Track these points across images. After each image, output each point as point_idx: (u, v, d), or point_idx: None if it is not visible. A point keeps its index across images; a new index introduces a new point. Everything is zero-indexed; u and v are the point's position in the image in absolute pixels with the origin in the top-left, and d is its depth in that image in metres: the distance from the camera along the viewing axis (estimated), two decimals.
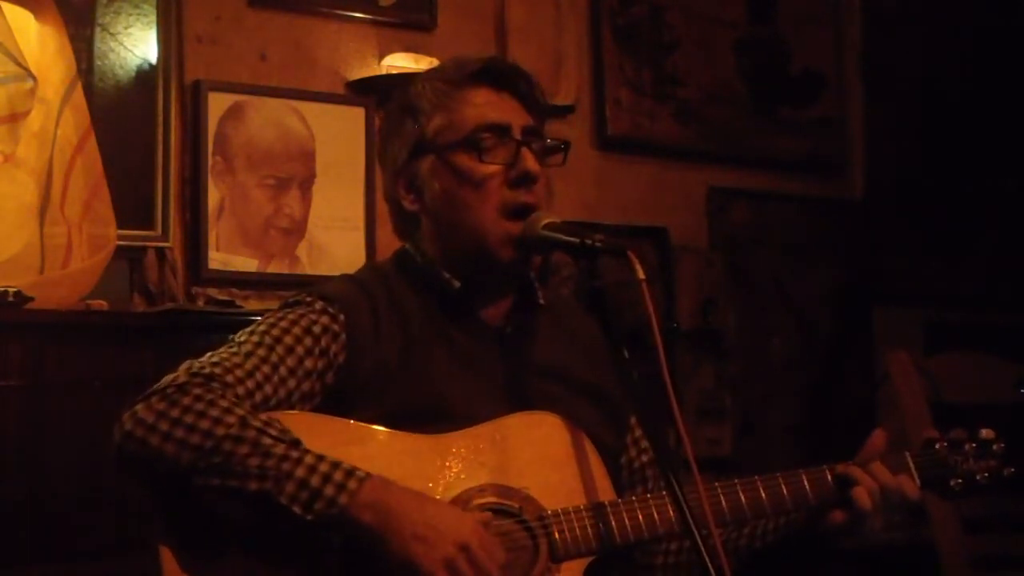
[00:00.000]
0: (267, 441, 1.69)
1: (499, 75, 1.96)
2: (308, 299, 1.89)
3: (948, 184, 4.64)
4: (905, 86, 4.68)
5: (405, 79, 3.39)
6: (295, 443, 1.70)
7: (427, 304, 1.94)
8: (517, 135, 1.93)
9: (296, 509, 1.66)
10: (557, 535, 1.80)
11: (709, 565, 1.65)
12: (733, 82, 4.37)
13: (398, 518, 1.68)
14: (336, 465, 1.69)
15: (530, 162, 1.91)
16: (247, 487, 1.67)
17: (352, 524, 1.67)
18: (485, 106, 1.93)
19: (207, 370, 1.75)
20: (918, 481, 1.98)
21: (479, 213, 1.90)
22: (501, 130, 1.92)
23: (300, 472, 1.67)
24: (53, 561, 2.58)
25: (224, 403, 1.71)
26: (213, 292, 3.27)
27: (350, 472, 1.69)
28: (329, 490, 1.67)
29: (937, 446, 2.02)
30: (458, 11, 3.82)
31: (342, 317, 1.87)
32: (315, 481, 1.67)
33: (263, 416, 1.73)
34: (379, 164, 2.07)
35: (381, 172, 2.06)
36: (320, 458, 1.69)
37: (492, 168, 1.90)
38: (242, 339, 1.84)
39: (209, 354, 1.81)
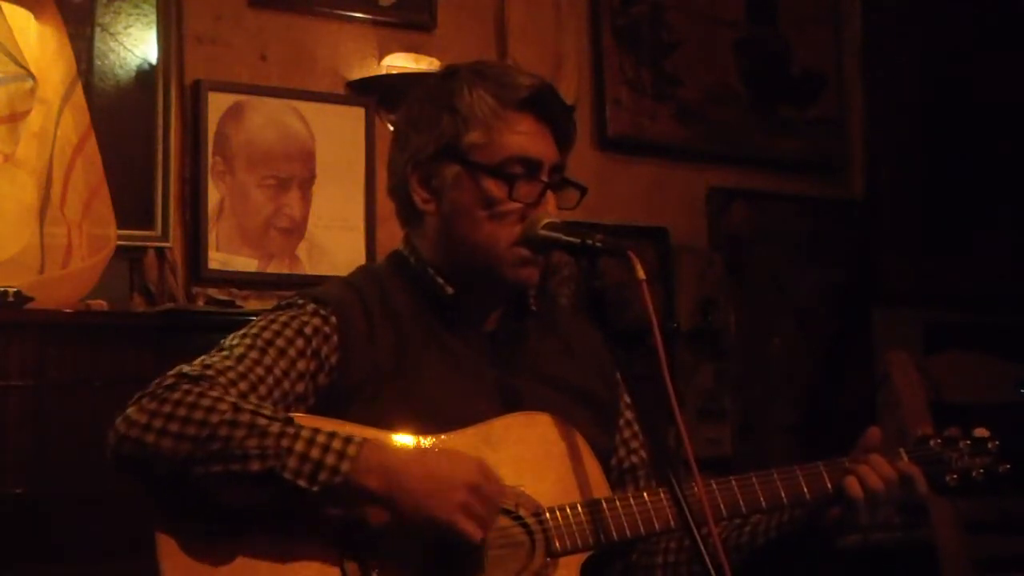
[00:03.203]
0: (262, 421, 1.69)
1: (545, 106, 1.95)
2: (300, 302, 1.90)
3: (948, 184, 4.64)
4: (905, 86, 4.69)
5: (405, 79, 3.42)
6: (288, 420, 1.72)
7: (420, 307, 1.94)
8: (545, 175, 1.93)
9: (301, 483, 1.67)
10: (554, 531, 1.81)
11: (708, 562, 1.66)
12: (733, 82, 4.37)
13: (403, 476, 1.70)
14: (332, 435, 1.70)
15: (551, 206, 1.93)
16: (249, 468, 1.68)
17: (359, 490, 1.69)
18: (525, 136, 1.92)
19: (197, 372, 1.76)
20: None
21: (494, 240, 1.91)
22: (533, 166, 1.92)
23: (299, 446, 1.68)
24: (53, 561, 2.58)
25: (214, 393, 1.72)
26: (213, 292, 3.27)
27: (348, 439, 1.70)
28: (330, 459, 1.68)
29: (931, 443, 2.03)
30: (458, 11, 3.82)
31: (333, 319, 1.87)
32: (315, 453, 1.68)
33: (253, 400, 1.74)
34: (394, 141, 2.02)
35: (393, 149, 2.01)
36: (316, 430, 1.70)
37: (515, 205, 1.91)
38: (234, 342, 1.84)
39: (201, 358, 1.81)
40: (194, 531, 1.72)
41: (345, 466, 1.68)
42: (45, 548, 2.59)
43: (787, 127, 4.48)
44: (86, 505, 2.59)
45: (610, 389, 2.04)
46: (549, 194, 1.93)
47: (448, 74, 2.00)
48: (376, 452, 1.71)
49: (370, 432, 1.80)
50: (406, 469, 1.71)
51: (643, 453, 2.06)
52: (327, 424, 1.77)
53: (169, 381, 1.74)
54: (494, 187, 1.91)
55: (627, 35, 4.14)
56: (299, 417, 1.78)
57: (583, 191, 2.01)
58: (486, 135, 1.91)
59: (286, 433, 1.69)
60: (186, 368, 1.77)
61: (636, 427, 2.07)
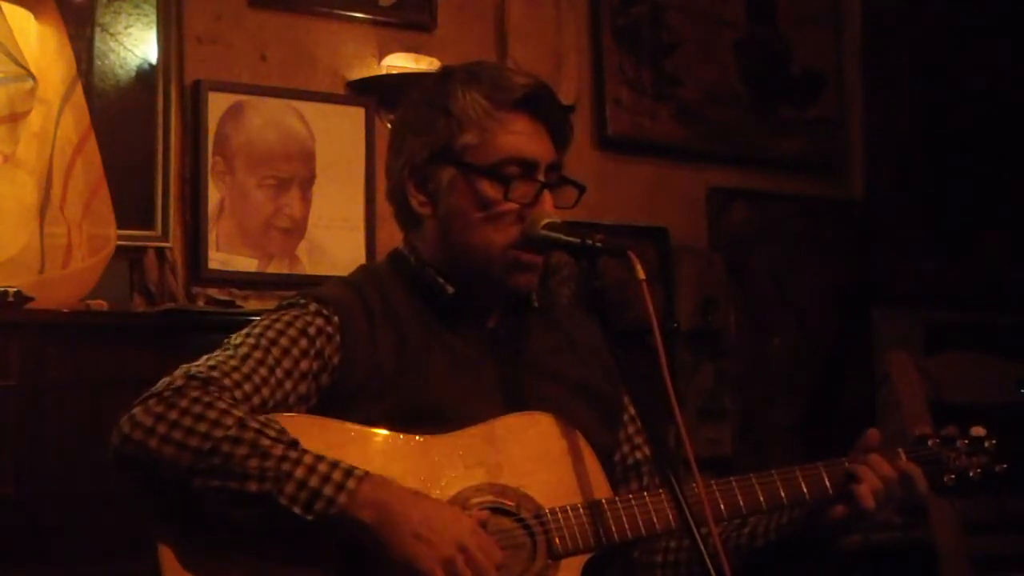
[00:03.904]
0: (265, 442, 1.69)
1: (540, 105, 1.95)
2: (302, 301, 1.90)
3: (948, 184, 4.64)
4: (905, 86, 4.68)
5: (405, 79, 3.42)
6: (293, 443, 1.71)
7: (421, 307, 1.95)
8: (541, 175, 1.93)
9: (296, 509, 1.67)
10: (555, 533, 1.81)
11: (708, 563, 1.66)
12: (733, 82, 4.37)
13: (397, 517, 1.69)
14: (335, 465, 1.70)
15: (548, 206, 1.93)
16: (247, 488, 1.67)
17: (352, 523, 1.68)
18: (520, 136, 1.92)
19: (204, 373, 1.76)
20: None
21: (491, 242, 1.91)
22: (528, 166, 1.92)
23: (299, 472, 1.68)
24: (52, 562, 2.58)
25: (222, 405, 1.71)
26: (213, 292, 3.27)
27: (349, 471, 1.69)
28: (328, 490, 1.67)
29: (929, 442, 2.03)
30: (458, 11, 3.82)
31: (336, 319, 1.87)
32: (314, 481, 1.68)
33: (261, 417, 1.74)
34: (390, 144, 2.03)
35: (390, 153, 2.02)
36: (319, 458, 1.70)
37: (512, 205, 1.91)
38: (237, 342, 1.84)
39: (205, 357, 1.81)
40: (195, 543, 1.72)
41: (342, 499, 1.68)
42: (44, 548, 2.58)
43: (787, 127, 4.48)
44: (86, 505, 2.59)
45: (613, 384, 2.04)
46: (546, 194, 1.93)
47: (442, 76, 2.00)
48: (375, 488, 1.70)
49: (373, 434, 1.80)
50: (402, 510, 1.70)
51: (646, 449, 2.06)
52: (331, 429, 1.77)
53: (178, 383, 1.73)
54: (489, 188, 1.91)
55: (627, 35, 4.13)
56: (302, 418, 1.79)
57: (581, 189, 2.01)
58: (480, 136, 1.91)
59: (288, 457, 1.69)
60: (193, 369, 1.77)
61: (639, 422, 2.07)
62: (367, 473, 1.70)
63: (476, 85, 1.94)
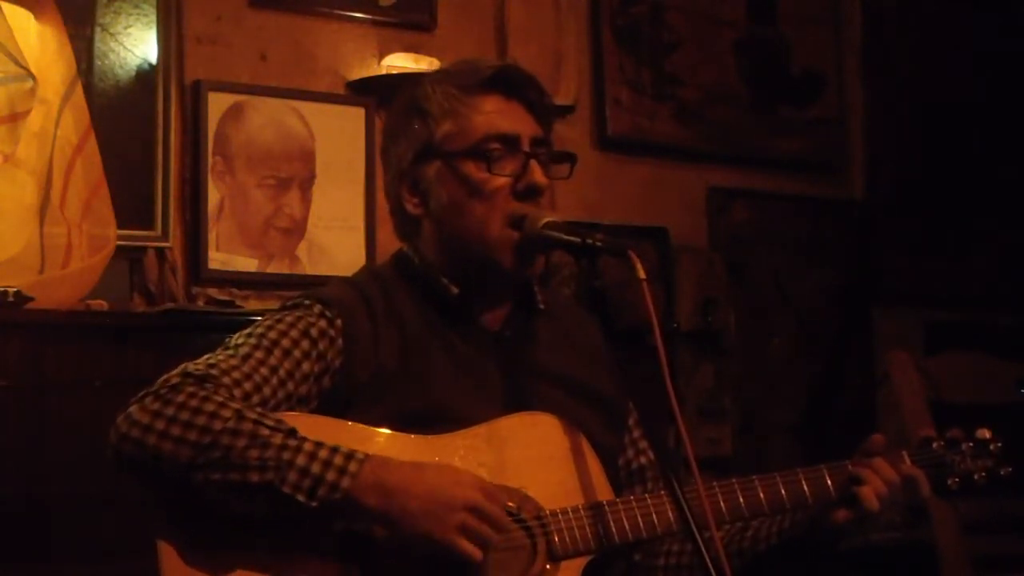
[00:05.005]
0: (264, 432, 1.69)
1: (510, 82, 1.95)
2: (305, 303, 1.90)
3: (948, 184, 4.64)
4: (905, 86, 4.69)
5: (405, 79, 3.41)
6: (292, 432, 1.71)
7: (425, 309, 1.94)
8: (526, 147, 1.92)
9: (300, 497, 1.67)
10: (555, 534, 1.81)
11: (710, 566, 1.66)
12: (733, 82, 4.37)
13: (401, 496, 1.69)
14: (335, 450, 1.70)
15: (537, 175, 1.92)
16: (249, 479, 1.67)
17: (357, 508, 1.69)
18: (494, 114, 1.92)
19: (201, 371, 1.76)
20: None
21: (485, 223, 1.90)
22: (510, 141, 1.92)
23: (301, 460, 1.68)
24: (53, 561, 2.58)
25: (218, 398, 1.71)
26: (213, 292, 3.27)
27: (349, 455, 1.70)
28: (331, 475, 1.68)
29: (934, 445, 2.03)
30: (458, 11, 3.82)
31: (339, 322, 1.87)
32: (316, 468, 1.68)
33: (258, 409, 1.74)
34: (381, 161, 2.05)
35: (383, 169, 2.05)
36: (319, 444, 1.70)
37: (500, 180, 1.90)
38: (239, 342, 1.84)
39: (205, 357, 1.81)
40: (195, 539, 1.72)
41: (345, 483, 1.68)
42: (45, 548, 2.58)
43: (787, 127, 4.48)
44: (86, 505, 2.59)
45: (618, 388, 2.03)
46: (535, 166, 1.92)
47: (416, 83, 2.02)
48: (377, 469, 1.70)
49: (374, 433, 1.80)
50: (405, 488, 1.70)
51: (651, 454, 2.06)
52: (332, 429, 1.77)
53: (174, 381, 1.73)
54: (473, 168, 1.91)
55: (627, 35, 4.13)
56: (306, 417, 1.78)
57: (573, 160, 2.01)
58: (455, 123, 1.92)
59: (288, 446, 1.69)
60: (191, 367, 1.77)
61: (643, 426, 2.07)
62: (368, 455, 1.71)
63: (445, 78, 1.97)
